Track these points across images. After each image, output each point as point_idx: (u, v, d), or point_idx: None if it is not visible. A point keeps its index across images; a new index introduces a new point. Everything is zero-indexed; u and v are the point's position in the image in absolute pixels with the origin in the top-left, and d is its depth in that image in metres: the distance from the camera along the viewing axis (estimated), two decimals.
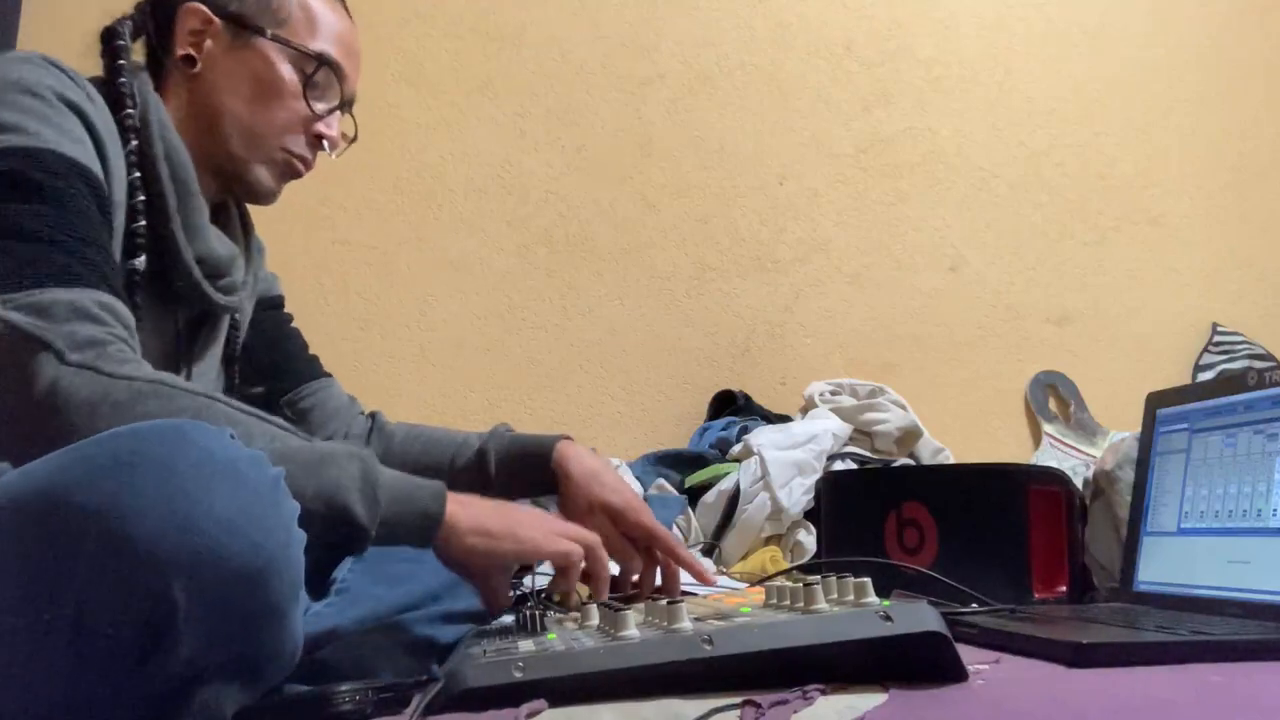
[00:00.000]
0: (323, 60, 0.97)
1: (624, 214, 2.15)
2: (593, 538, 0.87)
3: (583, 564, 0.85)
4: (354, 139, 1.05)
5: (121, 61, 0.90)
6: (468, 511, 0.82)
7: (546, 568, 0.91)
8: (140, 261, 0.86)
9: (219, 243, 0.95)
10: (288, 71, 0.96)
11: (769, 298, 2.18)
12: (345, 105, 1.01)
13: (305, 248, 2.02)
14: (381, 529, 0.76)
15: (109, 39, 0.92)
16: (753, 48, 2.25)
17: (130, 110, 0.87)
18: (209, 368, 1.02)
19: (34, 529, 0.56)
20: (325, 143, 1.00)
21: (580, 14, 2.19)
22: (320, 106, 0.98)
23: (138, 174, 0.86)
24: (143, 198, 0.86)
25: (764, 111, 2.24)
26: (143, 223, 0.86)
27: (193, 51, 0.94)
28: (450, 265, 2.07)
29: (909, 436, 1.86)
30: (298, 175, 1.00)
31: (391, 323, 2.04)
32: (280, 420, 0.77)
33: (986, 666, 0.73)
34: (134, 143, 0.87)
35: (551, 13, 2.18)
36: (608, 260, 2.13)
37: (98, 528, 0.55)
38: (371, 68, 2.09)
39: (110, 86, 0.88)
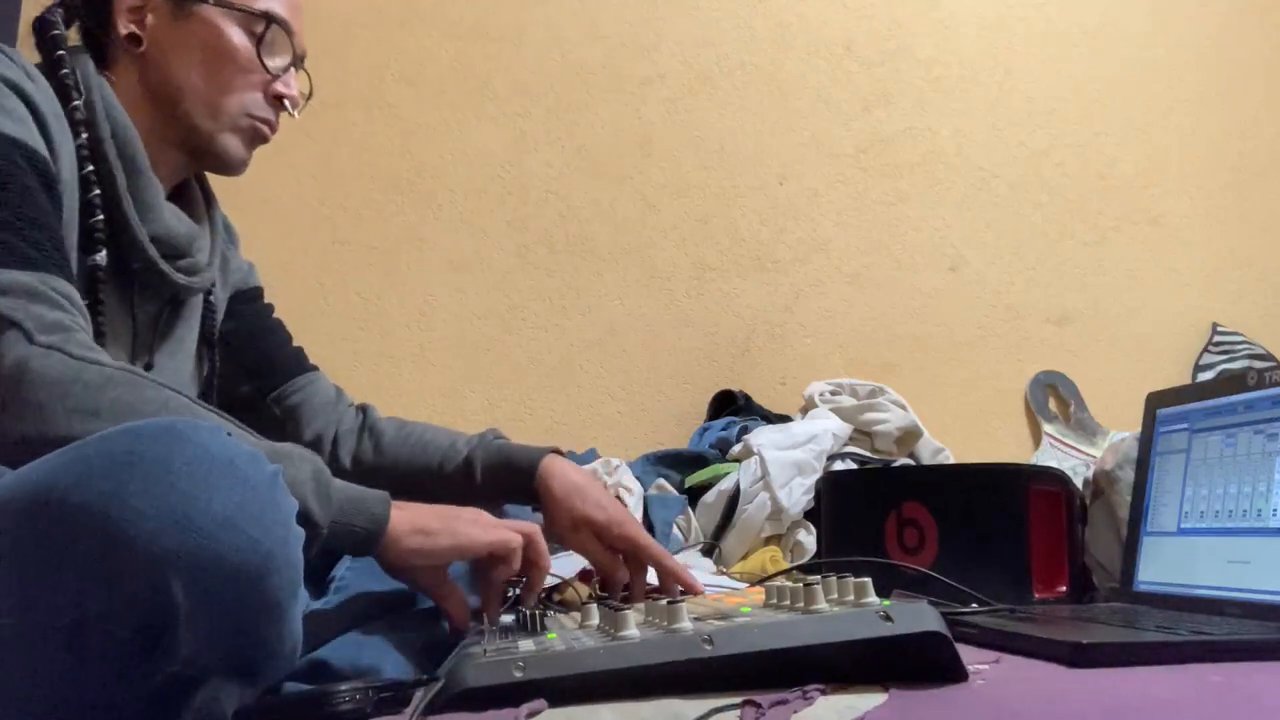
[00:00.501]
0: (270, 18, 0.94)
1: (624, 214, 2.15)
2: (530, 527, 0.88)
3: (521, 549, 0.86)
4: (310, 95, 1.02)
5: (61, 51, 0.87)
6: (407, 515, 0.82)
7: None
8: (101, 257, 0.85)
9: (177, 221, 0.92)
10: (237, 35, 0.93)
11: (769, 298, 2.18)
12: (298, 62, 0.99)
13: (305, 248, 2.02)
14: (332, 528, 0.76)
15: (42, 30, 0.90)
16: (753, 48, 2.25)
17: (77, 102, 0.85)
18: (180, 355, 0.99)
19: (31, 529, 0.56)
20: (286, 102, 0.97)
21: (580, 14, 2.19)
22: (275, 66, 0.95)
23: (90, 168, 0.84)
24: (98, 192, 0.84)
25: (764, 111, 2.24)
26: (100, 217, 0.84)
27: (136, 29, 0.91)
28: (450, 265, 2.07)
29: (909, 436, 1.85)
30: (264, 139, 0.97)
31: (391, 323, 2.04)
32: (235, 420, 0.77)
33: (986, 666, 0.73)
34: (84, 135, 0.84)
35: (551, 13, 2.18)
36: (608, 260, 2.13)
37: (95, 527, 0.55)
38: (371, 68, 2.11)
39: (53, 78, 0.85)
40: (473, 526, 0.85)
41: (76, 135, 0.84)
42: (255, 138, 0.97)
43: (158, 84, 0.92)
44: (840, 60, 2.29)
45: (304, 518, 0.72)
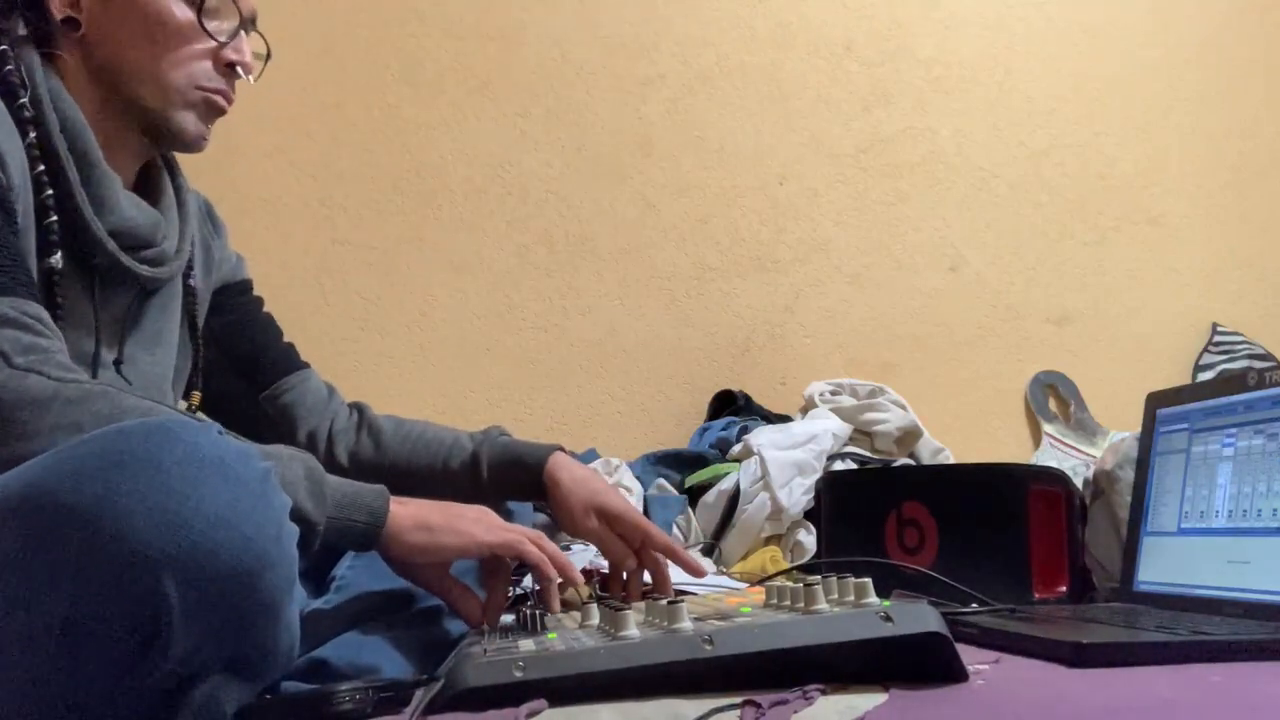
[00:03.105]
0: None
1: (624, 214, 2.15)
2: (533, 531, 0.88)
3: (531, 549, 0.85)
4: (268, 56, 0.97)
5: (3, 47, 0.83)
6: (409, 510, 0.82)
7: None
8: (57, 260, 0.82)
9: (137, 211, 0.89)
10: (176, 4, 0.88)
11: (769, 298, 2.18)
12: (248, 24, 0.94)
13: (305, 248, 2.02)
14: (330, 524, 0.76)
15: None
16: (753, 48, 2.25)
17: (23, 100, 0.82)
18: (159, 347, 0.96)
19: (22, 530, 0.56)
20: (240, 69, 0.92)
21: (580, 14, 2.19)
22: (221, 32, 0.90)
23: (42, 167, 0.82)
24: (50, 192, 0.82)
25: (764, 111, 2.24)
26: (54, 218, 0.82)
27: (71, 12, 0.86)
28: (450, 265, 2.07)
29: (909, 436, 1.85)
30: (221, 111, 0.92)
31: (391, 323, 2.03)
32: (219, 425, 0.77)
33: (986, 666, 0.73)
34: (33, 134, 0.81)
35: (551, 13, 2.18)
36: (608, 260, 2.13)
37: (86, 527, 0.55)
38: (371, 68, 2.10)
39: None
40: (476, 525, 0.85)
41: (25, 135, 0.81)
42: (210, 111, 0.92)
43: (102, 67, 0.88)
44: (840, 60, 2.28)
45: (298, 516, 0.72)
